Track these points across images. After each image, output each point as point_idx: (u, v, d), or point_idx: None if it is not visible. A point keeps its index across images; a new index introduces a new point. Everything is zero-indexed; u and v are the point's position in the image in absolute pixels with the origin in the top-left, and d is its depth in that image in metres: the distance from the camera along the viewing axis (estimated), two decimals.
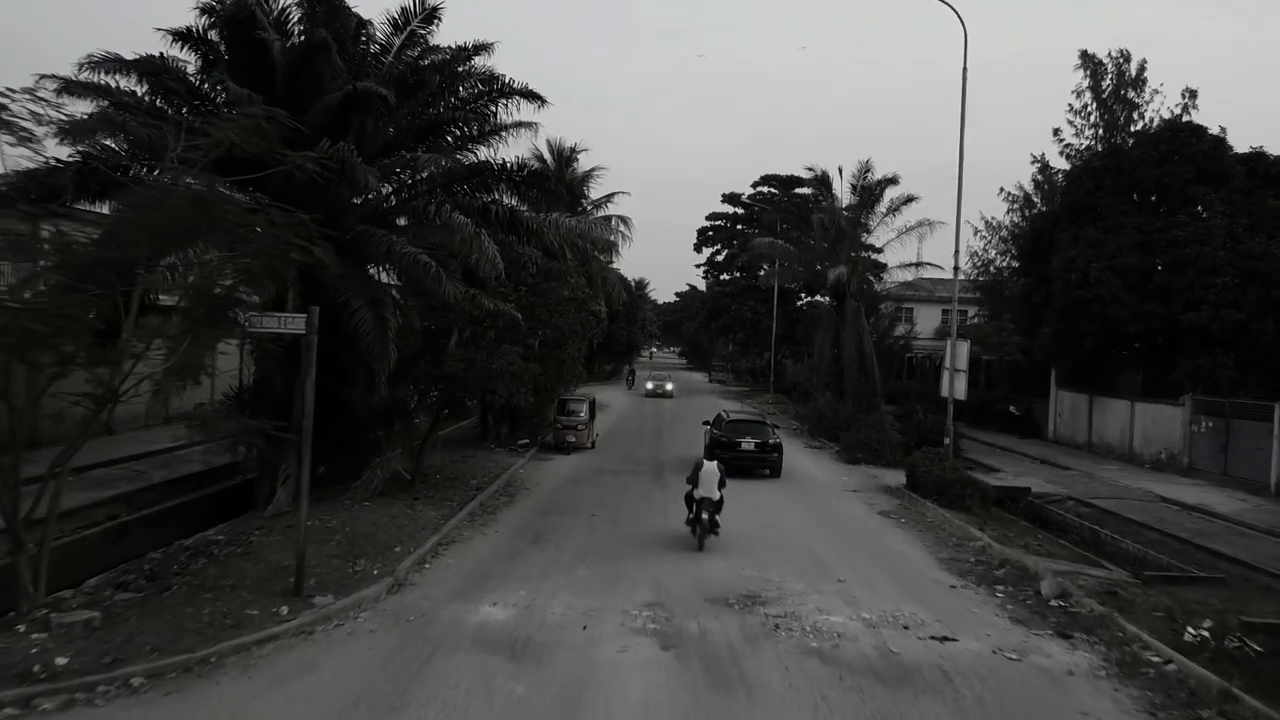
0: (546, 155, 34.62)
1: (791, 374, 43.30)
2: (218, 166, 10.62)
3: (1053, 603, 10.87)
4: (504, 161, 16.63)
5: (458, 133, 16.85)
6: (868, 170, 34.95)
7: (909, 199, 35.15)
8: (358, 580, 10.54)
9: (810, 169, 35.49)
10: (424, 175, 15.82)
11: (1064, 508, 19.03)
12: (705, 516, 13.27)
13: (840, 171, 35.73)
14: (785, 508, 17.24)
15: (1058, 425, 31.02)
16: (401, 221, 16.70)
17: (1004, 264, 46.39)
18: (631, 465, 21.99)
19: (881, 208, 35.54)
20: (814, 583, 11.52)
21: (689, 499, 13.61)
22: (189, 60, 15.17)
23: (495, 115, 16.93)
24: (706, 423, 23.26)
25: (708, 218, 59.33)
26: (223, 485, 17.24)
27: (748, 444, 20.41)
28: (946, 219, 36.38)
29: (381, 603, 10.02)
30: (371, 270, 16.36)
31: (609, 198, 39.95)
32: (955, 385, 19.46)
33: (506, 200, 17.10)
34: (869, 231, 35.73)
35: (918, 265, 36.42)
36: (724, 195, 57.87)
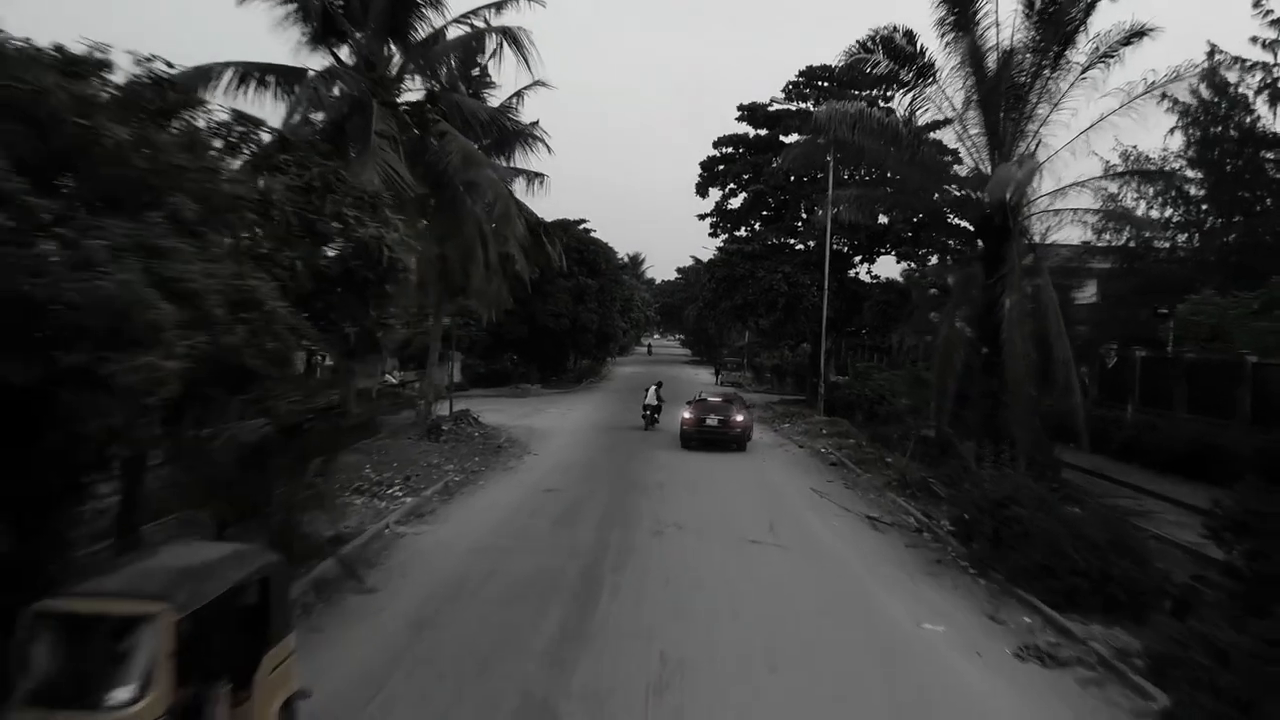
0: None
1: (875, 382, 24.86)
2: None
3: None
4: None
5: None
6: None
7: (1139, 32, 16.79)
8: None
9: None
10: None
11: None
12: (653, 415, 25.34)
13: None
14: None
15: None
16: None
17: (1162, 213, 28.65)
18: None
19: (1079, 55, 17.16)
20: None
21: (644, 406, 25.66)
22: None
23: None
24: (689, 402, 24.61)
25: (716, 143, 39.44)
26: None
27: (711, 420, 22.47)
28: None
29: None
30: None
31: (518, 96, 22.86)
32: None
33: None
34: (1054, 98, 17.21)
35: (1139, 175, 17.91)
36: (740, 108, 38.25)
